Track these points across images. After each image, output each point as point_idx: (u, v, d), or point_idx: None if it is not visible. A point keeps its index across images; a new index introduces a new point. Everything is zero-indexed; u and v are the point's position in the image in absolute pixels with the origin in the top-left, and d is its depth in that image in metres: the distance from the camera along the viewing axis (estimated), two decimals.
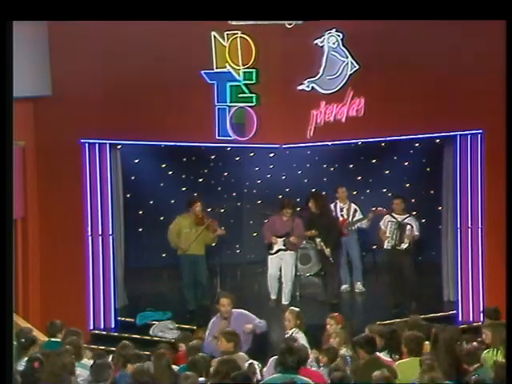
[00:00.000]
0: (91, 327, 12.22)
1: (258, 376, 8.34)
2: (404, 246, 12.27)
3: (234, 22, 11.03)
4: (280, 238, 12.58)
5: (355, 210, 13.08)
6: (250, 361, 8.67)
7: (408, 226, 12.24)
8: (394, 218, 12.39)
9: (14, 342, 9.41)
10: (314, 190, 13.57)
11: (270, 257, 12.70)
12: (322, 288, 13.09)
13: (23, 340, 9.09)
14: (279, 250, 12.62)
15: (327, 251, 12.59)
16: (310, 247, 13.53)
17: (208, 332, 10.06)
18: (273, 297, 12.70)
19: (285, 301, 12.55)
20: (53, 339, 9.33)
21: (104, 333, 12.11)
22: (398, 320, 10.77)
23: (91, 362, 8.39)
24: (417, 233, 12.37)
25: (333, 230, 12.67)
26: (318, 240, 12.87)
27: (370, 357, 7.96)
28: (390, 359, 8.33)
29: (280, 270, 12.66)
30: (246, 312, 10.20)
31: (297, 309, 10.10)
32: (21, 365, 8.45)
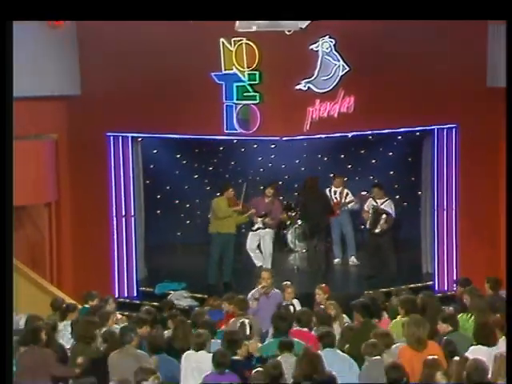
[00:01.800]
0: (116, 296, 11.96)
1: (248, 332, 8.24)
2: (377, 230, 12.25)
3: (240, 30, 10.93)
4: (260, 217, 12.57)
5: (347, 194, 13.08)
6: (242, 319, 8.61)
7: (383, 215, 12.22)
8: (375, 202, 12.43)
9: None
10: (308, 177, 13.54)
11: (250, 233, 12.68)
12: (312, 262, 13.06)
13: (64, 306, 9.26)
14: (258, 228, 12.64)
15: (307, 231, 12.76)
16: (305, 226, 13.51)
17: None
18: (259, 264, 12.65)
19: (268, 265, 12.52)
20: (86, 305, 9.52)
21: (127, 301, 12.15)
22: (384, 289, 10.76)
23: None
24: (393, 215, 12.33)
25: (319, 215, 12.69)
26: (300, 221, 13.04)
27: (364, 320, 8.03)
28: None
29: (258, 245, 12.67)
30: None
31: (289, 282, 9.93)
32: (59, 329, 8.60)
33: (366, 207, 12.58)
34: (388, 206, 12.41)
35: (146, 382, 6.79)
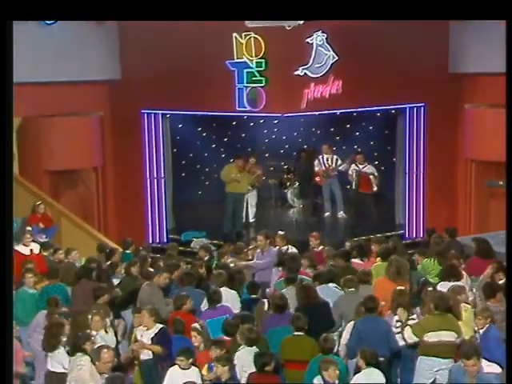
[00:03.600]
0: (150, 241, 12.59)
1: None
2: (374, 189, 12.13)
3: (249, 25, 11.05)
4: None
5: (337, 159, 13.13)
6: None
7: (371, 176, 12.26)
8: (357, 166, 12.55)
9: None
10: (305, 147, 13.88)
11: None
12: (307, 215, 13.45)
13: (108, 251, 9.46)
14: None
15: (302, 191, 12.99)
16: (302, 186, 13.80)
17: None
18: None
19: (252, 219, 13.02)
20: (127, 251, 9.74)
21: (159, 246, 12.44)
22: (363, 238, 10.97)
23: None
24: (376, 174, 12.38)
25: (310, 178, 13.00)
26: (297, 184, 13.19)
27: (346, 264, 8.37)
28: (361, 262, 8.70)
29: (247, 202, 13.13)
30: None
31: (282, 232, 9.76)
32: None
33: (350, 171, 12.67)
34: (370, 168, 12.50)
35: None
